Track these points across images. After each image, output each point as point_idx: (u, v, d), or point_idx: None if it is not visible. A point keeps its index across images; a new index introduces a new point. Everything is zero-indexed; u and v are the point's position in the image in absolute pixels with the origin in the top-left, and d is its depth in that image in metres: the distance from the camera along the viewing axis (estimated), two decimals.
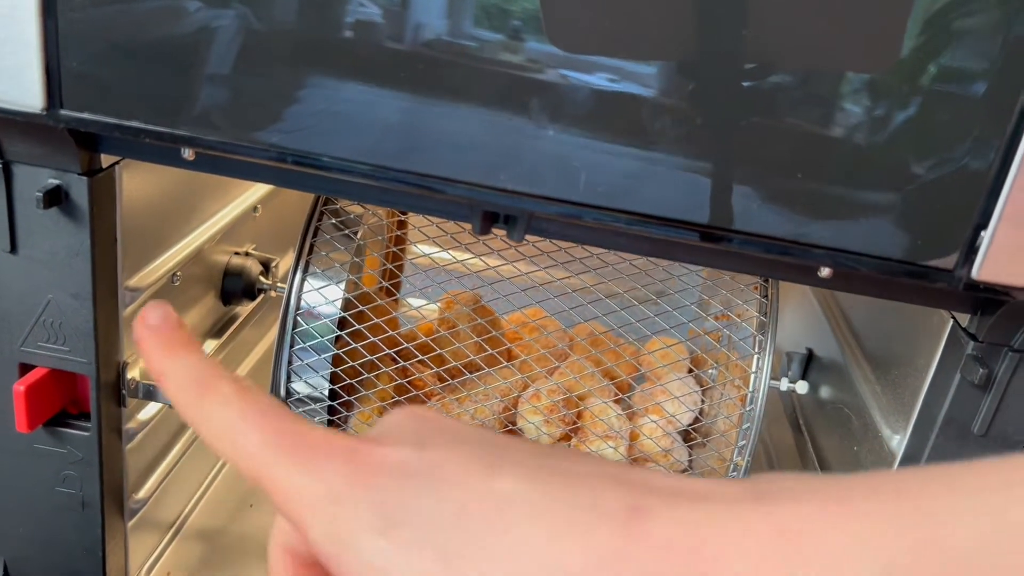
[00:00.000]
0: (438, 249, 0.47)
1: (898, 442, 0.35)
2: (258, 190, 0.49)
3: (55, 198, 0.32)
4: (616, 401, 0.48)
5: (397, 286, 0.53)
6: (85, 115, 0.28)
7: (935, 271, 0.26)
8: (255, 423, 0.16)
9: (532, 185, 0.28)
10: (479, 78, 0.27)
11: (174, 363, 0.17)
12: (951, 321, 0.32)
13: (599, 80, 0.26)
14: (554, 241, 0.42)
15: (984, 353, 0.31)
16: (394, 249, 0.52)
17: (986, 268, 0.25)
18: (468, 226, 0.31)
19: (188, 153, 0.30)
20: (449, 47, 0.26)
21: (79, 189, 0.32)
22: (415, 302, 0.58)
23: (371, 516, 0.14)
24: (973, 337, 0.31)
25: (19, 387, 0.35)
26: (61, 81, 0.27)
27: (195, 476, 0.48)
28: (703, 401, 0.47)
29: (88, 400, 0.36)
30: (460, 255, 0.47)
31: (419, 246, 0.54)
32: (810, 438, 0.47)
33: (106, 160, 0.33)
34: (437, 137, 0.28)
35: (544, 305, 0.50)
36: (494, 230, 0.30)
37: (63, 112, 0.27)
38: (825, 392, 0.46)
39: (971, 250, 0.26)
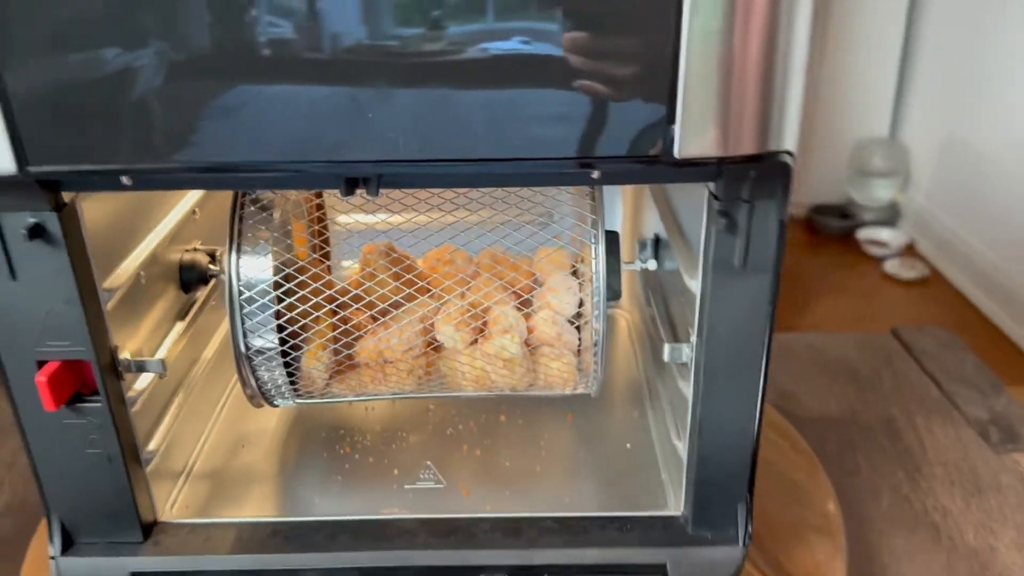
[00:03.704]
0: (356, 216, 0.58)
1: (695, 284, 0.46)
2: (193, 196, 0.60)
3: (36, 232, 0.43)
4: (519, 306, 0.60)
5: (327, 246, 0.64)
6: (46, 167, 0.38)
7: (655, 157, 0.38)
8: None
9: (372, 153, 0.39)
10: (313, 75, 0.38)
11: None
12: (707, 190, 0.44)
13: (389, 61, 0.37)
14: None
15: (729, 208, 0.42)
16: (316, 217, 0.63)
17: (681, 149, 0.37)
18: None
19: (126, 179, 0.41)
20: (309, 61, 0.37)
21: (52, 222, 0.43)
22: (344, 263, 0.70)
23: None
24: (716, 197, 0.42)
25: (41, 378, 0.46)
26: (23, 144, 0.38)
27: (195, 428, 0.60)
28: (581, 292, 0.59)
29: (94, 379, 0.48)
30: (377, 216, 0.59)
31: (341, 217, 0.65)
32: (663, 304, 0.59)
33: (67, 195, 0.43)
34: (298, 132, 0.39)
35: (452, 241, 0.61)
36: (357, 192, 0.41)
37: (31, 168, 0.38)
38: (669, 264, 0.58)
39: (669, 139, 0.37)
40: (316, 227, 0.64)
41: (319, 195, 0.64)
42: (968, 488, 0.68)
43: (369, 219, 0.65)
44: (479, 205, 0.58)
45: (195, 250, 0.59)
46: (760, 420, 0.48)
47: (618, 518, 0.53)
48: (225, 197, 0.64)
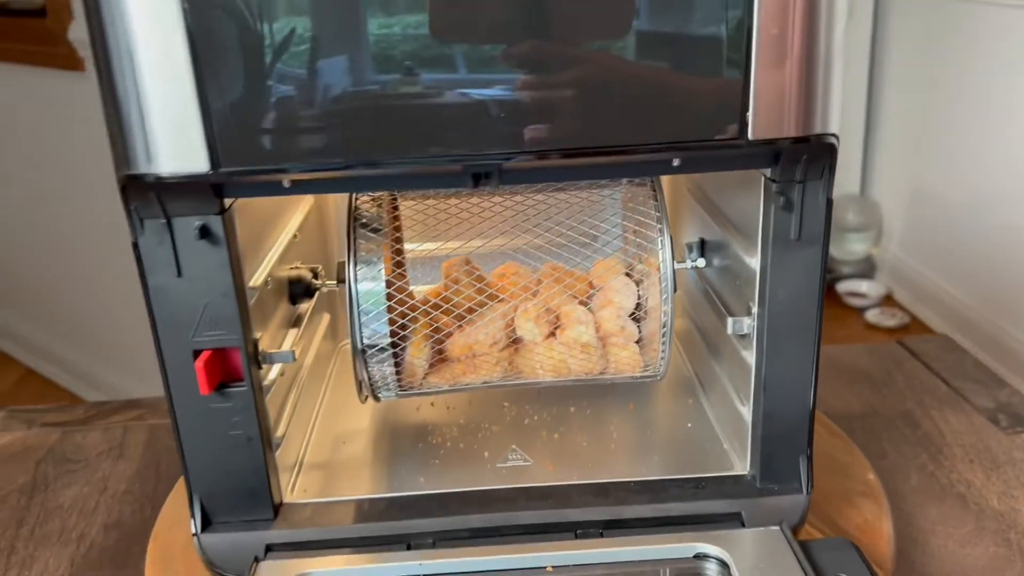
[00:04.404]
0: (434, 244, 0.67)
1: (755, 261, 0.55)
2: (295, 223, 0.68)
3: (204, 233, 0.50)
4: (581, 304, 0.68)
5: (403, 262, 0.72)
6: (233, 168, 0.46)
7: (733, 140, 0.47)
8: None
9: (495, 148, 0.47)
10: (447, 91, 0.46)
11: None
12: (763, 177, 0.53)
13: (507, 76, 0.46)
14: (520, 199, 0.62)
15: (784, 189, 0.51)
16: (395, 238, 0.71)
17: (754, 132, 0.46)
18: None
19: (286, 182, 0.49)
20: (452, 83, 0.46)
21: (216, 224, 0.50)
22: (418, 287, 0.77)
23: None
24: (774, 181, 0.51)
25: (199, 364, 0.52)
26: (217, 148, 0.45)
27: (301, 426, 0.66)
28: (639, 289, 0.67)
29: (237, 368, 0.54)
30: (451, 244, 0.67)
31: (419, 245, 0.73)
32: (717, 297, 0.67)
33: (227, 202, 0.51)
34: (435, 131, 0.47)
35: (516, 260, 0.69)
36: (479, 186, 0.50)
37: (222, 169, 0.46)
38: (716, 261, 0.67)
39: (744, 124, 0.46)
40: (395, 247, 0.72)
41: (397, 219, 0.72)
42: (986, 464, 0.76)
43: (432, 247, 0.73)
44: (540, 231, 0.67)
45: (298, 267, 0.67)
46: (816, 377, 0.56)
47: (693, 478, 0.60)
48: (318, 225, 0.72)
